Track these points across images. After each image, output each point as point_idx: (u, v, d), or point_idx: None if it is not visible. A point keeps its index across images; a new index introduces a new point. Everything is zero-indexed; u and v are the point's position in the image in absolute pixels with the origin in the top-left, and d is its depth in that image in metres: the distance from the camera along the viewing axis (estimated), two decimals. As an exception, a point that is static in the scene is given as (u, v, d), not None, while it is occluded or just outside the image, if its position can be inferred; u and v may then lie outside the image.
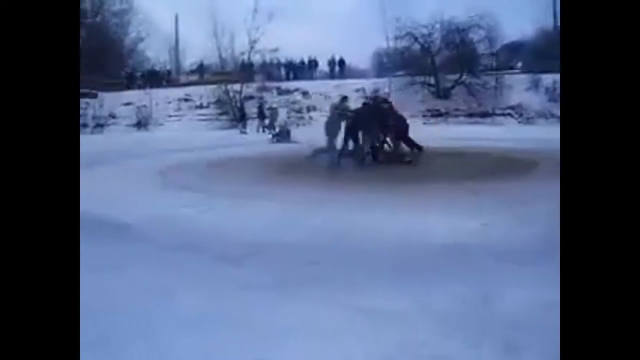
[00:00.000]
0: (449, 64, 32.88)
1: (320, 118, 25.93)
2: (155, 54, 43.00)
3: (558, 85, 30.56)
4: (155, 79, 39.80)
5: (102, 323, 4.59)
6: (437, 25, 33.64)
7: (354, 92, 33.33)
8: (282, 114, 31.85)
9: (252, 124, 30.34)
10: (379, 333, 4.40)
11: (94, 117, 32.60)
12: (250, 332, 4.54)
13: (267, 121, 26.87)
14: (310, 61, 38.87)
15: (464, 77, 31.49)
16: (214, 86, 34.64)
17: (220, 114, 33.80)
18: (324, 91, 33.34)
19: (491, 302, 5.11)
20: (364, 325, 4.55)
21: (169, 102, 35.07)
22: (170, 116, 34.03)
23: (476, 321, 4.68)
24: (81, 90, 32.94)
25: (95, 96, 32.92)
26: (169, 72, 41.98)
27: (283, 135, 23.78)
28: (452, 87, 31.74)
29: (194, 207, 8.86)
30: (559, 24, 33.71)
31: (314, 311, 4.87)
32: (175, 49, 42.36)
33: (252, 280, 5.65)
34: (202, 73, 39.84)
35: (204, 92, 35.16)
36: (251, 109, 32.38)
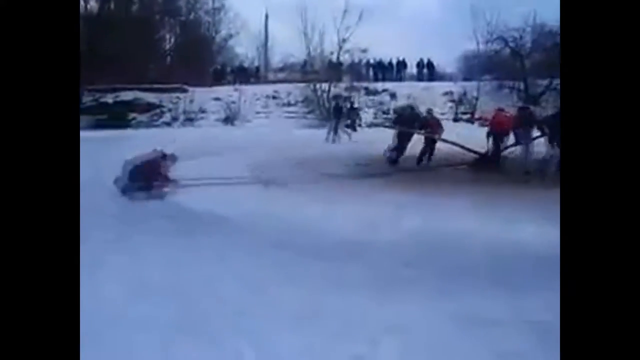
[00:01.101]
0: (539, 68, 32.45)
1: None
2: (245, 51, 43.98)
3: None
4: (244, 75, 40.74)
5: (199, 311, 4.94)
6: (528, 29, 33.32)
7: (442, 95, 33.51)
8: (369, 115, 32.27)
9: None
10: (472, 340, 4.57)
11: (184, 112, 33.61)
12: (347, 330, 4.67)
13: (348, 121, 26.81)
14: (398, 63, 39.04)
15: (555, 82, 31.04)
16: (302, 84, 35.20)
17: (308, 112, 34.30)
18: (411, 93, 33.52)
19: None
20: (456, 331, 4.71)
21: (257, 99, 35.77)
22: (257, 113, 34.76)
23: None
24: (172, 85, 34.19)
25: (185, 91, 33.88)
26: (258, 69, 42.85)
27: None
28: (543, 92, 31.35)
29: (287, 205, 9.24)
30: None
31: (409, 313, 5.07)
32: (265, 47, 43.19)
33: (349, 279, 5.93)
34: (290, 71, 40.45)
35: (292, 90, 35.75)
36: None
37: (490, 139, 15.97)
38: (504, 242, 7.49)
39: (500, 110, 17.66)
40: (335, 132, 24.37)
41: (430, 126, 16.87)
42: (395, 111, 17.90)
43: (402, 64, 39.13)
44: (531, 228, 7.98)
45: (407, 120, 17.33)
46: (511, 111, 17.76)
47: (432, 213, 9.10)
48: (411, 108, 17.91)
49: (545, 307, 5.01)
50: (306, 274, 6.02)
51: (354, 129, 26.58)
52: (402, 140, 16.71)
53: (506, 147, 15.84)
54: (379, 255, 6.82)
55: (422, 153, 16.42)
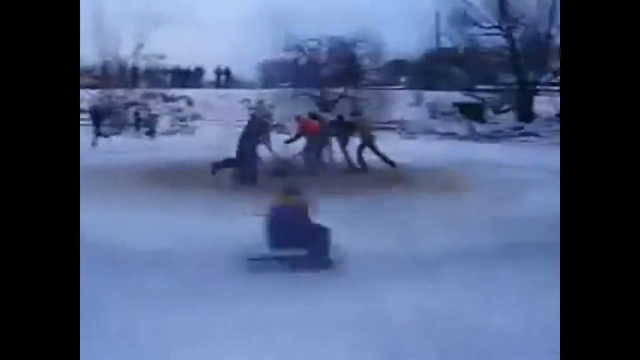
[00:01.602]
0: (334, 77, 33.59)
1: (203, 126, 26.13)
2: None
3: (439, 102, 31.92)
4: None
5: None
6: (325, 40, 34.30)
7: (239, 102, 33.65)
8: (165, 121, 31.81)
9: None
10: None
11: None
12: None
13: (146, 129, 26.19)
14: (196, 69, 38.91)
15: (348, 90, 32.19)
16: (96, 90, 34.08)
17: (102, 120, 33.21)
18: (208, 100, 33.44)
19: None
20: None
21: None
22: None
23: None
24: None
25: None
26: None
27: None
28: (336, 100, 32.39)
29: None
30: (441, 44, 35.19)
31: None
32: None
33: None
34: (83, 76, 39.02)
35: (85, 96, 34.49)
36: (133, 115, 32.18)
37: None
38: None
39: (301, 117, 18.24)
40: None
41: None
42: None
43: (199, 71, 39.00)
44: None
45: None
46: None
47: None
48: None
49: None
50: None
51: (152, 136, 26.14)
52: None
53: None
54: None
55: None
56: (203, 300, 5.91)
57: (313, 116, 18.88)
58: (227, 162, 15.10)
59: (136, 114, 31.29)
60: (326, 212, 7.89)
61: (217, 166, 15.06)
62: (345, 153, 17.09)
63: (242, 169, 14.80)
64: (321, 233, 7.59)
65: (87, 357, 3.62)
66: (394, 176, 15.61)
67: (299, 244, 7.40)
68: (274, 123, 30.22)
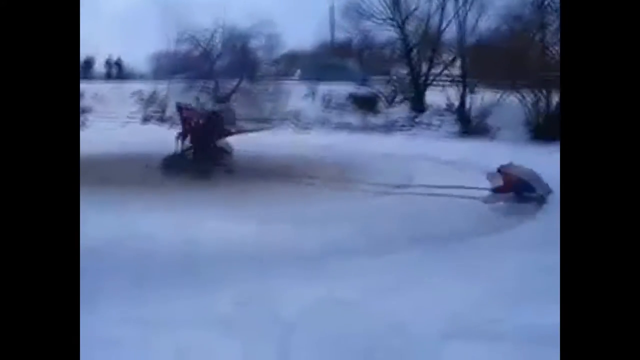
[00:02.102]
0: (229, 69, 33.47)
1: (95, 121, 25.54)
2: None
3: (333, 94, 32.26)
4: None
5: None
6: (220, 30, 34.08)
7: (131, 94, 33.04)
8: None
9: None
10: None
11: None
12: None
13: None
14: (86, 60, 37.91)
15: (243, 83, 32.10)
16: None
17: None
18: (99, 92, 32.68)
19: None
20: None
21: None
22: None
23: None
24: None
25: None
26: None
27: None
28: (232, 92, 32.29)
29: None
30: (335, 37, 35.59)
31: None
32: None
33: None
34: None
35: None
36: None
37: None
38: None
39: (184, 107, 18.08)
40: None
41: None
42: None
43: (89, 62, 38.02)
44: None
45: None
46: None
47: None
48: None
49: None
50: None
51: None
52: None
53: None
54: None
55: None
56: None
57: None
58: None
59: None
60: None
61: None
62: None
63: None
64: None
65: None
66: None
67: None
68: (168, 115, 30.01)
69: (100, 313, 5.20)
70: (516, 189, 12.14)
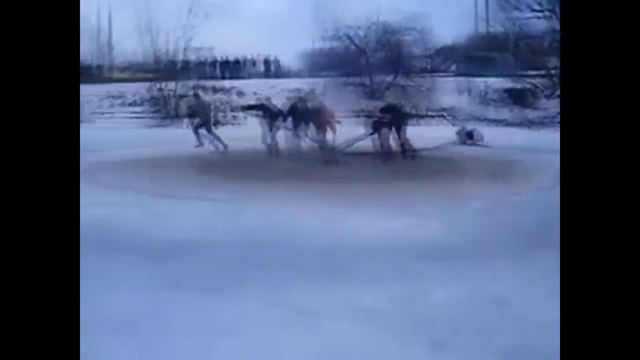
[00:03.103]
0: (383, 65, 33.60)
1: (252, 118, 26.43)
2: (86, 49, 42.70)
3: (490, 89, 31.75)
4: (86, 74, 39.56)
5: None
6: (373, 27, 34.24)
7: (289, 92, 33.84)
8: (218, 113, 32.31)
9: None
10: (310, 332, 4.78)
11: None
12: (184, 331, 4.75)
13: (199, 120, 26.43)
14: (245, 60, 39.18)
15: (398, 78, 32.07)
16: (148, 84, 34.65)
17: (154, 112, 33.83)
18: (258, 91, 33.73)
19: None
20: (295, 324, 4.92)
21: (101, 99, 34.89)
22: (102, 113, 33.92)
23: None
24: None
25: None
26: (101, 67, 41.73)
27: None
28: (387, 88, 32.40)
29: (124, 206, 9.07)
30: (490, 30, 34.94)
31: (246, 310, 5.24)
32: (108, 45, 42.12)
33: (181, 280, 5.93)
34: (135, 70, 39.69)
35: (137, 89, 35.11)
36: (184, 107, 32.78)
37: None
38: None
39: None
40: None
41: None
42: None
43: (249, 62, 39.26)
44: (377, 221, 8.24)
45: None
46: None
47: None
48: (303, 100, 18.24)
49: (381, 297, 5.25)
50: (139, 275, 6.06)
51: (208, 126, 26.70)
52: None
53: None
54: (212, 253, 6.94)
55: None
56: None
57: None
58: None
59: (189, 106, 31.91)
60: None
61: None
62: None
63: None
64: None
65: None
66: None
67: None
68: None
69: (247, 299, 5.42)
70: None
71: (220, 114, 32.66)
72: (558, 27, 30.25)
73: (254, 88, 34.85)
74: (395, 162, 15.67)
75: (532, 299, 5.69)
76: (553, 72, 31.86)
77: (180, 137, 24.22)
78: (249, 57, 39.18)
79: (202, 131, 23.23)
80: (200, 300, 5.38)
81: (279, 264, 6.46)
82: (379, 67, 33.92)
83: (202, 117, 24.53)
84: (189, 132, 24.72)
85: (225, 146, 21.05)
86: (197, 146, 21.78)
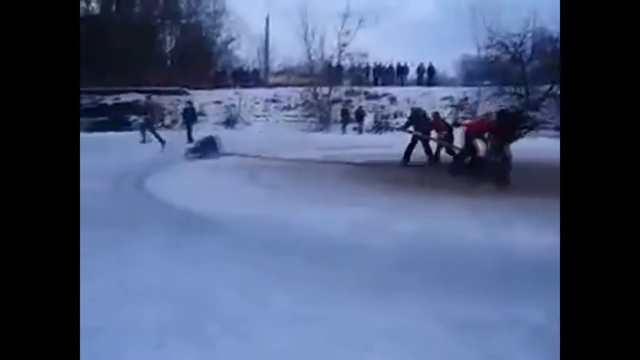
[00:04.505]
0: (539, 74, 32.85)
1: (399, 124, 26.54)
2: (245, 55, 44.43)
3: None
4: (244, 78, 41.18)
5: (193, 315, 4.87)
6: (529, 35, 33.63)
7: (442, 100, 33.81)
8: (370, 119, 32.75)
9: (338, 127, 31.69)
10: (467, 344, 4.57)
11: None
12: (341, 333, 4.65)
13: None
14: (399, 67, 39.49)
15: (555, 88, 31.18)
16: (302, 88, 35.56)
17: (307, 116, 34.67)
18: (411, 98, 33.91)
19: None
20: (451, 336, 4.69)
21: (257, 102, 36.17)
22: (257, 116, 35.15)
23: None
24: (173, 88, 34.28)
25: (186, 94, 34.04)
26: (258, 72, 43.23)
27: (205, 148, 18.25)
28: (543, 98, 31.68)
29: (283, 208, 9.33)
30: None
31: (403, 318, 5.01)
32: (265, 50, 43.59)
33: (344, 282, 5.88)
34: (290, 74, 40.85)
35: (292, 94, 36.10)
36: (337, 112, 33.50)
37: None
38: (497, 245, 7.57)
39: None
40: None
41: (437, 128, 17.08)
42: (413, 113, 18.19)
43: (402, 69, 39.58)
44: (523, 232, 8.11)
45: (420, 122, 17.36)
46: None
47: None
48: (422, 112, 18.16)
49: (541, 312, 5.09)
50: (302, 278, 6.02)
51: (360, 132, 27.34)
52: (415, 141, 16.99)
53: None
54: (373, 259, 6.80)
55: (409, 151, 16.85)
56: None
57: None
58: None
59: (344, 111, 32.62)
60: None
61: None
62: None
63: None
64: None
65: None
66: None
67: None
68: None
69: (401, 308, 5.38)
70: None
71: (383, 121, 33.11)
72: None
73: (406, 95, 35.04)
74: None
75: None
76: None
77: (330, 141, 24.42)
78: (402, 64, 39.45)
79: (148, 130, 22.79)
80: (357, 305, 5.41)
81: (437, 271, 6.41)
82: (534, 76, 33.19)
83: (150, 117, 24.20)
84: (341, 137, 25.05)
85: (163, 143, 20.70)
86: (142, 142, 22.18)
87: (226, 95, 36.40)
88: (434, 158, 16.75)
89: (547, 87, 32.03)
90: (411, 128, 17.07)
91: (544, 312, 5.10)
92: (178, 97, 33.92)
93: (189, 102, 27.20)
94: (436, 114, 18.17)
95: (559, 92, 31.18)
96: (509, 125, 15.34)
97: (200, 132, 24.24)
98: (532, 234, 7.92)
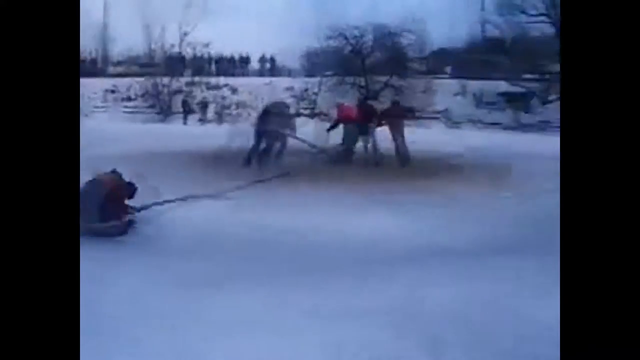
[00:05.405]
0: (379, 66, 33.70)
1: (246, 114, 26.44)
2: (82, 43, 42.61)
3: (484, 92, 31.81)
4: (81, 68, 39.54)
5: None
6: (369, 28, 34.30)
7: (284, 90, 33.88)
8: (210, 109, 32.40)
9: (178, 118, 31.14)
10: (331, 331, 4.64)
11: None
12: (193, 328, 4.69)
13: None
14: (241, 58, 39.27)
15: (393, 79, 32.10)
16: (142, 78, 34.69)
17: (148, 107, 33.90)
18: (253, 88, 33.80)
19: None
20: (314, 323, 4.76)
21: (95, 93, 34.92)
22: (96, 107, 33.94)
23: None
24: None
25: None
26: (95, 61, 41.67)
27: None
28: (381, 89, 32.45)
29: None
30: (487, 33, 34.95)
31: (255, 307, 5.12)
32: (103, 38, 42.03)
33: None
34: (130, 64, 39.69)
35: (131, 84, 35.16)
36: (178, 103, 32.95)
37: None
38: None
39: (342, 104, 18.29)
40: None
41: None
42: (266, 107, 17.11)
43: (244, 59, 39.35)
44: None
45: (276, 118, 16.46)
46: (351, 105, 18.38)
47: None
48: (284, 105, 17.82)
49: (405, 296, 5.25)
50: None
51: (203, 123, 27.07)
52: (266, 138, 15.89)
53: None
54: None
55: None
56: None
57: (361, 103, 18.82)
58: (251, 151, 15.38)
59: (184, 101, 32.05)
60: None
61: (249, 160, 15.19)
62: (397, 141, 16.55)
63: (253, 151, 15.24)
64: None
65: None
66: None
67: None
68: (317, 111, 30.70)
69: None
70: None
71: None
72: (552, 32, 30.31)
73: (247, 86, 34.89)
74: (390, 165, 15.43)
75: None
76: (549, 76, 31.90)
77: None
78: (244, 54, 39.25)
79: None
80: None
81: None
82: (374, 68, 33.97)
83: None
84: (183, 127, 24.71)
85: None
86: None
87: (61, 85, 34.75)
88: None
89: (385, 78, 32.87)
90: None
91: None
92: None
93: None
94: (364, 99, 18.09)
95: (397, 83, 32.41)
96: (366, 115, 16.00)
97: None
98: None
